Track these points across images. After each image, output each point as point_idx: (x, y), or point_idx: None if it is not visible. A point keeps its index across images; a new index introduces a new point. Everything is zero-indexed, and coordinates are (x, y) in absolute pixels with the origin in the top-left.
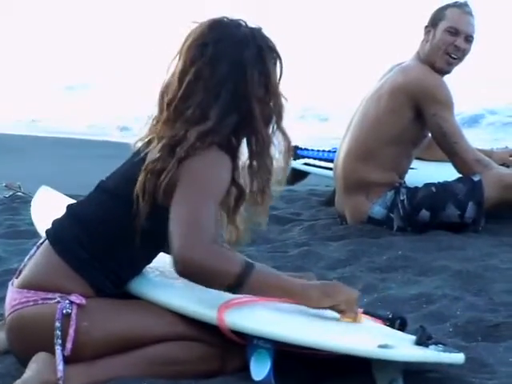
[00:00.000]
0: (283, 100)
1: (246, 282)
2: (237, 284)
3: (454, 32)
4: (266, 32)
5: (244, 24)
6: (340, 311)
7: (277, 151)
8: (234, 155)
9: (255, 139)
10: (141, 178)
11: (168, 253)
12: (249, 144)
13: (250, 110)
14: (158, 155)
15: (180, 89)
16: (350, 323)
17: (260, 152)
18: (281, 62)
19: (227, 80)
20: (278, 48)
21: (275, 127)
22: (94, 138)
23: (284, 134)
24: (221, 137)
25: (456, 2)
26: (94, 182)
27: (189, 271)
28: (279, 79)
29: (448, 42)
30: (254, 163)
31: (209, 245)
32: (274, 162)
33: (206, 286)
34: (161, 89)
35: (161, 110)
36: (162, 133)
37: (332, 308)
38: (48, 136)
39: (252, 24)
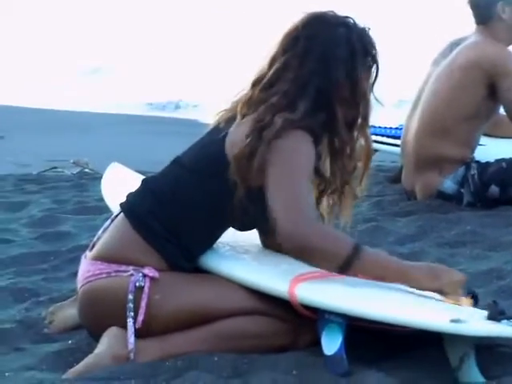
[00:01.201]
0: (372, 105)
1: (355, 262)
2: (345, 264)
3: None
4: (373, 33)
5: (350, 22)
6: (445, 293)
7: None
8: (317, 149)
9: (336, 140)
10: (233, 165)
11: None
12: (329, 144)
13: (332, 109)
14: (246, 141)
15: (268, 73)
16: (424, 297)
17: (340, 153)
18: (377, 67)
19: (314, 76)
20: (378, 52)
21: (358, 131)
22: (156, 115)
23: (366, 138)
24: (307, 128)
25: None
26: (161, 159)
27: (298, 247)
28: (373, 84)
29: None
30: (334, 164)
31: (316, 222)
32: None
33: (313, 265)
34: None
35: (244, 89)
36: (243, 111)
37: (437, 290)
38: (111, 113)
39: (360, 23)
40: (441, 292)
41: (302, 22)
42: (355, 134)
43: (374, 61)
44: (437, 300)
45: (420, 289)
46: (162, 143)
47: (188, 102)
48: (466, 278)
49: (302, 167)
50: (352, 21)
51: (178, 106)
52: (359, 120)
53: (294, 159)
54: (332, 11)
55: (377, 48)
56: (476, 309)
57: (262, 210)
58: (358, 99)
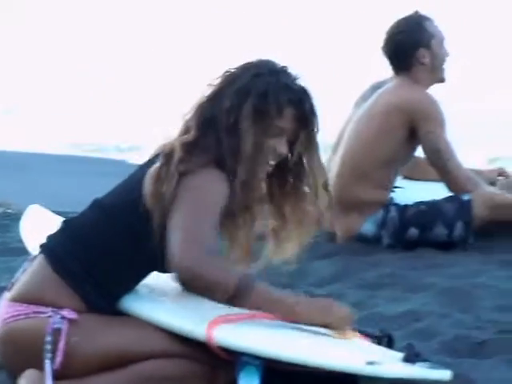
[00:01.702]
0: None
1: (243, 294)
2: (234, 295)
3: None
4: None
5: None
6: (331, 328)
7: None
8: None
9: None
10: (148, 191)
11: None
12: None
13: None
14: (158, 164)
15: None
16: (338, 339)
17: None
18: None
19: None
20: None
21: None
22: (78, 154)
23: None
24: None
25: (419, 16)
26: (87, 199)
27: (188, 280)
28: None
29: (447, 53)
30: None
31: (207, 255)
32: None
33: (206, 297)
34: None
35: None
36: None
37: (324, 325)
38: (44, 153)
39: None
40: (328, 326)
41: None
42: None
43: (275, 104)
44: (326, 334)
45: (310, 324)
46: (89, 183)
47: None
48: (349, 311)
49: (208, 205)
50: (272, 67)
51: (118, 148)
52: (247, 155)
53: (201, 197)
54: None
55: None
56: (392, 351)
57: None
58: (240, 132)
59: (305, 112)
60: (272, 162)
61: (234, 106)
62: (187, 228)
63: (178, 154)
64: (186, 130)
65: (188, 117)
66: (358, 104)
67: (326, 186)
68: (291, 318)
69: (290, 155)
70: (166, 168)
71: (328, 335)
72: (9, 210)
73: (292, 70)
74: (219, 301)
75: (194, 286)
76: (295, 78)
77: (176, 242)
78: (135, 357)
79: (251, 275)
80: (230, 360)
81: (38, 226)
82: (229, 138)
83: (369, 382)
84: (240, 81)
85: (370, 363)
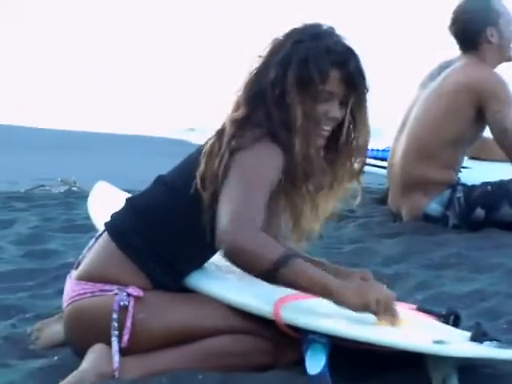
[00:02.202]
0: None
1: (281, 269)
2: (272, 270)
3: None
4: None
5: (310, 33)
6: (373, 312)
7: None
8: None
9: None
10: (200, 168)
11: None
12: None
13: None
14: (209, 143)
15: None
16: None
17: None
18: (321, 78)
19: (263, 81)
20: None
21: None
22: (150, 135)
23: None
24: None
25: None
26: (151, 178)
27: (231, 252)
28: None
29: None
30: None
31: (250, 229)
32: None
33: (245, 270)
34: None
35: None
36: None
37: (364, 309)
38: (104, 132)
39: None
40: (369, 310)
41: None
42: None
43: (317, 70)
44: (369, 322)
45: (347, 307)
46: (151, 163)
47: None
48: (394, 296)
49: (259, 180)
50: (314, 31)
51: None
52: (298, 125)
53: (252, 171)
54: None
55: (327, 62)
56: (459, 330)
57: None
58: (288, 102)
59: (351, 73)
60: (328, 128)
61: (279, 77)
62: (235, 202)
63: (229, 131)
64: (236, 107)
65: (239, 93)
66: (424, 84)
67: (364, 149)
68: (327, 299)
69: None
70: (218, 144)
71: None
72: (74, 188)
73: (337, 31)
74: (257, 276)
75: (236, 259)
76: (339, 40)
77: (223, 216)
78: (201, 333)
79: (294, 253)
80: (297, 338)
81: (106, 202)
82: (278, 111)
83: (435, 362)
84: (283, 50)
85: (438, 342)
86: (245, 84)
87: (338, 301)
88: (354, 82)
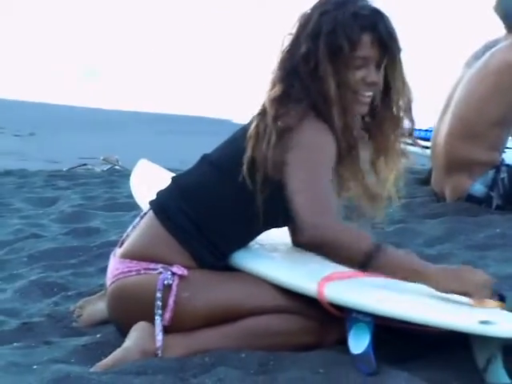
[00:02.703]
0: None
1: (375, 259)
2: (366, 261)
3: None
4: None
5: (337, 4)
6: (470, 296)
7: None
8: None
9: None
10: (247, 153)
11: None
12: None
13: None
14: (252, 125)
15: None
16: (453, 299)
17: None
18: (351, 45)
19: (296, 59)
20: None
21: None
22: (190, 114)
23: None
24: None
25: None
26: (192, 157)
27: (319, 242)
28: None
29: None
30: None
31: (337, 218)
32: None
33: (332, 260)
34: None
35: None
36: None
37: (461, 293)
38: (145, 111)
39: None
40: (466, 294)
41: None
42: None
43: (346, 36)
44: (463, 303)
45: (444, 291)
46: (193, 142)
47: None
48: (491, 280)
49: (325, 163)
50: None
51: None
52: (332, 94)
53: (316, 155)
54: None
55: (359, 30)
56: (505, 311)
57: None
58: (321, 73)
59: (381, 35)
60: (369, 94)
61: (310, 51)
62: (309, 190)
63: (270, 111)
64: (273, 86)
65: (274, 72)
66: (469, 64)
67: (409, 107)
68: (423, 284)
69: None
70: (263, 126)
71: (465, 303)
72: (116, 167)
73: None
74: (350, 266)
75: (326, 251)
76: (365, 4)
77: (302, 206)
78: (245, 312)
79: (380, 242)
80: (340, 317)
81: (148, 180)
82: (315, 84)
83: (480, 342)
84: (311, 23)
85: (484, 322)
86: (278, 62)
87: (435, 284)
88: (385, 44)
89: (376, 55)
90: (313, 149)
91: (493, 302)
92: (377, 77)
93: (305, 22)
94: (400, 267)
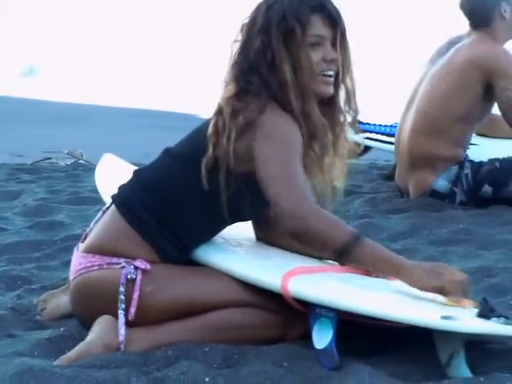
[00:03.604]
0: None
1: (352, 249)
2: (343, 250)
3: None
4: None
5: None
6: (445, 293)
7: None
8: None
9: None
10: (208, 152)
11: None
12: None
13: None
14: (210, 124)
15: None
16: (414, 294)
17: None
18: (301, 26)
19: (247, 52)
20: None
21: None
22: (156, 109)
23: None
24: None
25: None
26: (156, 151)
27: (298, 228)
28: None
29: None
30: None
31: (314, 205)
32: None
33: (313, 248)
34: None
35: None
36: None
37: (437, 291)
38: (110, 106)
39: None
40: (441, 291)
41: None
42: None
43: (296, 19)
44: (438, 302)
45: (420, 286)
46: (157, 137)
47: None
48: (467, 278)
49: (294, 149)
50: None
51: None
52: (289, 79)
53: (285, 143)
54: None
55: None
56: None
57: (252, 194)
58: (277, 61)
59: (331, 13)
60: (331, 73)
61: (265, 43)
62: (286, 180)
63: (227, 108)
64: (226, 86)
65: (226, 75)
66: (433, 60)
67: (354, 93)
68: (398, 278)
69: None
70: (222, 123)
71: (439, 302)
72: (80, 161)
73: None
74: (327, 253)
75: (306, 238)
76: None
77: (281, 196)
78: (208, 306)
79: (358, 233)
80: (304, 312)
81: (113, 175)
82: (274, 74)
83: (443, 337)
84: (258, 20)
85: (445, 318)
86: (231, 65)
87: (411, 279)
88: (336, 22)
89: (329, 34)
90: (280, 138)
91: (468, 302)
92: (335, 54)
93: (251, 23)
94: (378, 260)
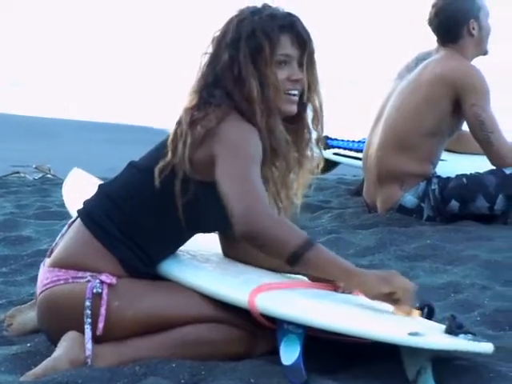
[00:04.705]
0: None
1: (306, 254)
2: (296, 254)
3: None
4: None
5: (246, 10)
6: (396, 301)
7: None
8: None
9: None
10: (167, 158)
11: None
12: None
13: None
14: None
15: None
16: (382, 310)
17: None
18: (270, 41)
19: (214, 65)
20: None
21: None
22: (125, 123)
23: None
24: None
25: None
26: (122, 165)
27: (252, 232)
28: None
29: (491, 27)
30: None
31: (269, 209)
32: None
33: (266, 252)
34: None
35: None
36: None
37: (388, 298)
38: (78, 120)
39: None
40: (392, 298)
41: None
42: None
43: (265, 36)
44: (388, 311)
45: (371, 293)
46: (123, 150)
47: None
48: (416, 288)
49: (253, 155)
50: (252, 8)
51: None
52: (255, 94)
53: (243, 150)
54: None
55: (271, 24)
56: (434, 322)
57: (211, 205)
58: (243, 76)
59: (300, 34)
60: (295, 92)
61: (233, 57)
62: (241, 182)
63: (186, 117)
64: (189, 97)
65: (193, 86)
66: (401, 75)
67: (321, 112)
68: (350, 285)
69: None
70: (180, 131)
71: (388, 311)
72: (48, 175)
73: (273, 4)
74: (280, 257)
75: (259, 241)
76: (279, 8)
77: (233, 197)
78: (175, 321)
79: (312, 238)
80: (272, 328)
81: (80, 189)
82: (239, 88)
83: (410, 354)
84: (228, 34)
85: (413, 334)
86: (199, 77)
87: (363, 286)
88: (304, 42)
89: (296, 54)
90: (239, 144)
91: (417, 312)
92: (301, 74)
93: (221, 36)
94: (331, 265)
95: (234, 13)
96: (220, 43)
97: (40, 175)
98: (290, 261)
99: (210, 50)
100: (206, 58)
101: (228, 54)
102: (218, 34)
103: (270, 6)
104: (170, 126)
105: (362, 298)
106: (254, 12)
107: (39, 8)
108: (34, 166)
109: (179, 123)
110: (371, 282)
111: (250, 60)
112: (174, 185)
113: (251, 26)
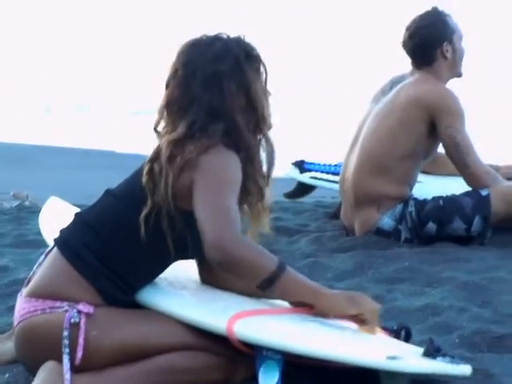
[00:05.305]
0: (269, 104)
1: (278, 279)
2: (269, 279)
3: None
4: (251, 39)
5: (223, 37)
6: (362, 321)
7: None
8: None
9: (243, 147)
10: (148, 203)
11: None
12: (239, 152)
13: (232, 120)
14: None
15: (161, 110)
16: (360, 334)
17: (250, 158)
18: (264, 67)
19: (200, 97)
20: (261, 54)
21: (260, 133)
22: (102, 149)
23: (267, 139)
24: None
25: (440, 11)
26: (99, 192)
27: (224, 258)
28: (264, 83)
29: (464, 49)
30: (247, 170)
31: (242, 236)
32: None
33: (239, 278)
34: None
35: None
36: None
37: (355, 317)
38: (54, 146)
39: (234, 34)
40: (358, 319)
41: (177, 53)
42: (258, 137)
43: (259, 61)
44: (352, 330)
45: (339, 313)
46: (100, 177)
47: None
48: (379, 308)
49: (230, 182)
50: (225, 35)
51: None
52: (260, 122)
53: (221, 176)
54: (203, 35)
55: (256, 49)
56: (412, 345)
57: (193, 232)
58: (253, 102)
59: (262, 60)
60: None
61: (216, 94)
62: (215, 208)
63: (166, 152)
64: (171, 130)
65: (167, 113)
66: (376, 98)
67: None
68: (319, 306)
69: None
70: (159, 168)
71: (344, 329)
72: (26, 203)
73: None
74: (253, 283)
75: (231, 267)
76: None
77: (206, 223)
78: (153, 350)
79: (284, 262)
80: (251, 354)
81: (57, 218)
82: (223, 121)
83: (390, 377)
84: (203, 70)
85: (391, 358)
86: (171, 104)
87: (331, 306)
88: (266, 72)
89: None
90: (217, 171)
91: (379, 329)
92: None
93: (192, 70)
94: (300, 288)
95: (194, 38)
96: (191, 76)
97: (17, 203)
98: (265, 285)
99: (178, 75)
100: (174, 82)
101: (209, 92)
102: (184, 61)
103: (221, 35)
104: (142, 151)
105: (340, 322)
106: (208, 42)
107: (39, 8)
108: (11, 194)
109: (155, 159)
110: (339, 303)
111: (237, 93)
112: (160, 222)
113: (230, 61)
